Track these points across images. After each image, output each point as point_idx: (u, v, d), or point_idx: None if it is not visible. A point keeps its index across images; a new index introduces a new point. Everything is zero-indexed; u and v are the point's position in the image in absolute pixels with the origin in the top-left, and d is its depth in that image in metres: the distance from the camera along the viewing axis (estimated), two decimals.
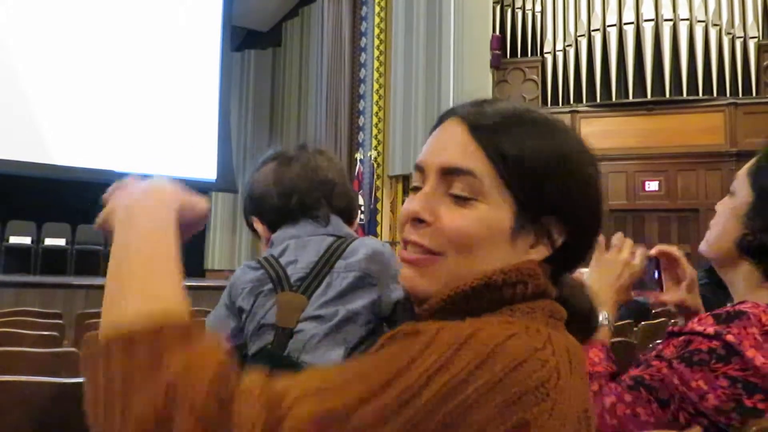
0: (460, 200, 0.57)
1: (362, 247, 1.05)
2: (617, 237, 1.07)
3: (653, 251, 1.08)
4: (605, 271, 1.03)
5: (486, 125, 0.58)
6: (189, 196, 0.61)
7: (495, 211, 0.57)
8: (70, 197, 7.56)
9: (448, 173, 0.58)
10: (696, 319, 0.88)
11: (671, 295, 1.08)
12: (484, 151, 0.57)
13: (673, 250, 1.09)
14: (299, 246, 1.06)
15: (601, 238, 1.02)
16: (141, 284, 0.50)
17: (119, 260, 0.52)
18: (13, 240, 7.24)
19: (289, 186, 1.12)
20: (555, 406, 0.47)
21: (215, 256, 10.15)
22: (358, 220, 1.13)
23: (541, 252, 0.58)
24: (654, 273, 1.07)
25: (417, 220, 0.58)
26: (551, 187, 0.57)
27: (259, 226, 1.16)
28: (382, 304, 1.02)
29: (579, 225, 0.59)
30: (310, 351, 0.97)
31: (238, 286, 1.07)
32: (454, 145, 0.58)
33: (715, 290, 1.52)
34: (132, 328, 0.46)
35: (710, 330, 0.83)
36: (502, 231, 0.57)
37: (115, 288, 0.51)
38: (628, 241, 1.07)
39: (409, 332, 0.50)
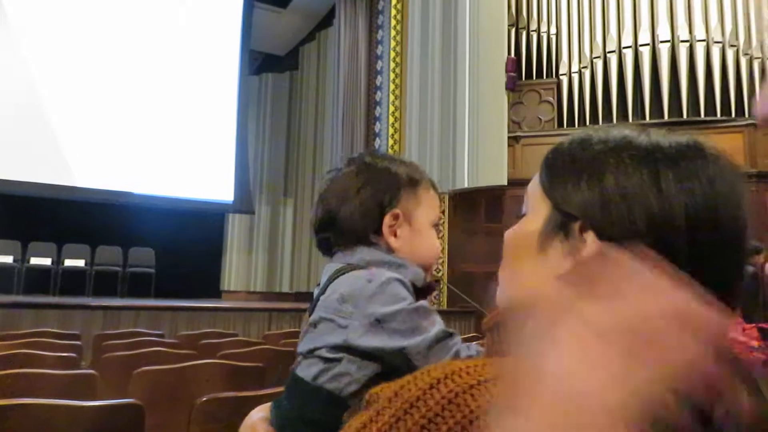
0: (521, 217, 0.61)
1: (341, 285, 0.91)
2: None
3: None
4: None
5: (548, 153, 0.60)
6: None
7: (531, 217, 0.57)
8: (90, 219, 7.68)
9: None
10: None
11: None
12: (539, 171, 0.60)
13: None
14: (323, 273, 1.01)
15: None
16: None
17: None
18: (34, 261, 7.35)
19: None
20: None
21: (231, 277, 10.19)
22: (390, 216, 1.03)
23: (566, 264, 0.51)
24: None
25: None
26: (573, 189, 0.53)
27: None
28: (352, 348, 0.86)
29: (611, 237, 0.50)
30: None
31: None
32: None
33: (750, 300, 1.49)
34: None
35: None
36: (530, 235, 0.55)
37: None
38: None
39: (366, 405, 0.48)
